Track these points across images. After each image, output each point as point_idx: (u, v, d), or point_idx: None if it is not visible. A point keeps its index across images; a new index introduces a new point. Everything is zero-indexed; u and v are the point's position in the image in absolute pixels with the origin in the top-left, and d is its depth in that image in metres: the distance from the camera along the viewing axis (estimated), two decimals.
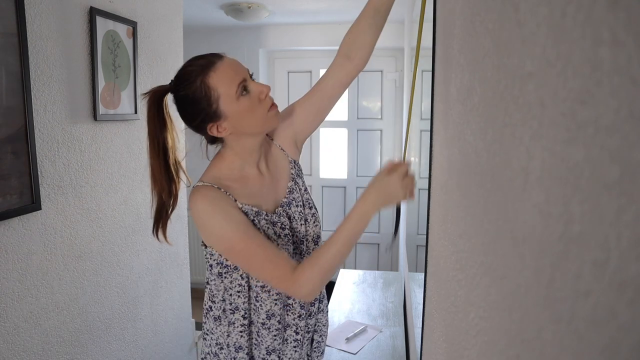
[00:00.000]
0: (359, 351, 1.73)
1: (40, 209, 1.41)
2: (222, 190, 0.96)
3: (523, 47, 0.31)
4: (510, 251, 0.33)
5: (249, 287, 1.03)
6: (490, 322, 0.38)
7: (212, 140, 1.03)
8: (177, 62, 2.25)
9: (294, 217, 1.06)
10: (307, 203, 1.10)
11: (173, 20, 2.21)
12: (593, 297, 0.21)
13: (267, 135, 1.10)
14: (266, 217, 1.00)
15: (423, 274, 0.99)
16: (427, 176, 0.92)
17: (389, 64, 3.48)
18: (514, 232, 0.32)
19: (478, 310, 0.43)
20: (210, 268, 1.04)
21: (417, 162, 1.34)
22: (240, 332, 1.05)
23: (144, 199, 2.02)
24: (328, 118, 1.16)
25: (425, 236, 0.95)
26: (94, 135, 1.68)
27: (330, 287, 2.46)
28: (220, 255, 1.01)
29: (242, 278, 1.02)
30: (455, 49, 0.60)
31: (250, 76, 0.97)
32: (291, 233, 1.05)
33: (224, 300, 1.05)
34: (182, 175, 1.03)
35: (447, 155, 0.66)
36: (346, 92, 1.33)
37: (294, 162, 1.13)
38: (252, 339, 1.07)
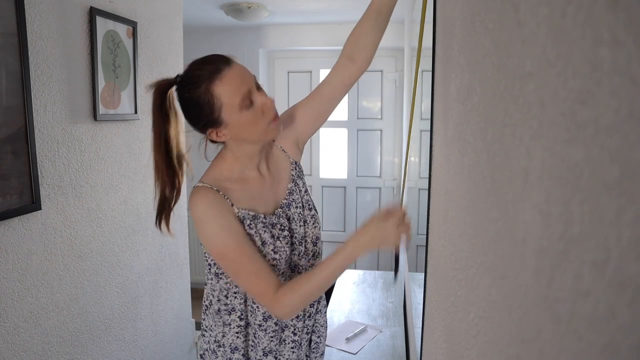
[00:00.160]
0: (359, 351, 1.73)
1: (40, 209, 1.41)
2: (221, 193, 0.97)
3: (523, 47, 0.31)
4: (510, 251, 0.33)
5: None
6: (490, 322, 0.38)
7: (214, 140, 1.04)
8: (177, 62, 2.25)
9: (294, 219, 1.06)
10: (306, 204, 1.10)
11: (173, 20, 2.21)
12: (593, 297, 0.21)
13: None
14: (264, 220, 1.00)
15: (423, 274, 0.99)
16: (427, 176, 0.92)
17: (389, 64, 3.48)
18: (514, 232, 0.32)
19: (478, 310, 0.43)
20: (209, 267, 1.05)
21: (417, 162, 1.34)
22: (237, 332, 1.06)
23: (144, 199, 2.02)
24: (328, 118, 1.16)
25: (425, 236, 0.95)
26: (94, 135, 1.68)
27: (330, 287, 2.46)
28: None
29: None
30: (455, 49, 0.60)
31: (257, 85, 0.97)
32: (290, 234, 1.05)
33: (219, 300, 1.05)
34: (185, 168, 1.03)
35: (447, 155, 0.66)
36: None
37: (295, 164, 1.13)
38: (249, 340, 1.07)
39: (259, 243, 0.99)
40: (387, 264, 3.67)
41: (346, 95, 1.19)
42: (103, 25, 1.68)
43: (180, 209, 2.29)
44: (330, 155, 3.72)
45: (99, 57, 1.66)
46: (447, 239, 0.64)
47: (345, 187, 3.70)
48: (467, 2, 0.52)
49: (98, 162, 1.71)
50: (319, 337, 1.20)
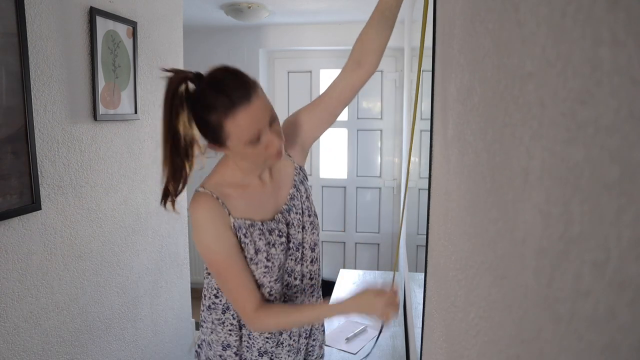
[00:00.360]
0: (359, 351, 1.73)
1: (40, 209, 1.41)
2: (220, 201, 0.98)
3: (523, 47, 0.31)
4: (510, 251, 0.33)
5: None
6: (490, 322, 0.38)
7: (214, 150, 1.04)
8: (177, 62, 2.25)
9: (293, 224, 1.07)
10: (306, 210, 1.10)
11: (173, 20, 2.21)
12: (593, 297, 0.21)
13: None
14: (261, 227, 1.01)
15: (423, 274, 0.99)
16: (427, 176, 0.92)
17: (389, 64, 3.48)
18: (514, 232, 0.32)
19: (478, 310, 0.43)
20: (206, 265, 1.07)
21: (417, 162, 1.34)
22: (229, 330, 1.08)
23: (144, 199, 2.02)
24: (335, 121, 1.17)
25: (425, 236, 0.95)
26: (94, 135, 1.68)
27: (330, 287, 2.46)
28: None
29: None
30: (455, 49, 0.60)
31: (271, 118, 0.94)
32: (287, 240, 1.06)
33: (211, 297, 1.08)
34: (195, 154, 0.99)
35: (447, 155, 0.66)
36: None
37: (300, 168, 1.13)
38: (243, 341, 1.09)
39: (252, 251, 1.00)
40: (387, 264, 3.68)
41: None
42: (103, 25, 1.68)
43: (180, 209, 2.29)
44: (330, 155, 3.72)
45: (99, 57, 1.66)
46: (447, 239, 0.64)
47: (345, 187, 3.70)
48: (467, 2, 0.52)
49: (98, 162, 1.71)
50: (314, 340, 1.21)
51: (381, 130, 3.59)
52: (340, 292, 2.31)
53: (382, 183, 3.62)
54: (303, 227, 1.08)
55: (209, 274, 1.08)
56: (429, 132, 0.92)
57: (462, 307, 0.51)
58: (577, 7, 0.23)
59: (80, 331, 1.63)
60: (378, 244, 3.70)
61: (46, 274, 1.47)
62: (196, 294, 2.84)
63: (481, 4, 0.44)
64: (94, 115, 1.66)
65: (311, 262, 1.11)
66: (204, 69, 0.96)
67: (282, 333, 1.10)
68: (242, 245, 1.00)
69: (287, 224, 1.06)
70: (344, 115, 3.60)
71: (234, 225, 0.99)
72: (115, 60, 1.77)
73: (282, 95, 3.67)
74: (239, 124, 0.89)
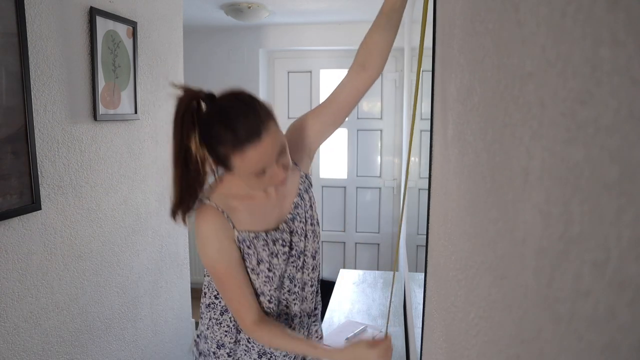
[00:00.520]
0: None
1: (40, 209, 1.41)
2: (225, 214, 0.99)
3: (523, 47, 0.31)
4: (510, 251, 0.33)
5: None
6: (490, 322, 0.38)
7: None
8: (177, 62, 2.25)
9: (296, 232, 1.08)
10: (309, 219, 1.10)
11: (173, 20, 2.21)
12: (593, 297, 0.21)
13: None
14: (265, 238, 1.02)
15: (423, 274, 0.99)
16: (427, 176, 0.92)
17: (389, 64, 3.48)
18: (514, 232, 0.32)
19: (478, 310, 0.43)
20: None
21: (417, 162, 1.34)
22: (226, 331, 1.09)
23: (144, 199, 2.02)
24: (340, 125, 1.16)
25: (425, 236, 0.95)
26: (94, 135, 1.68)
27: (330, 287, 2.46)
28: None
29: None
30: (455, 49, 0.60)
31: (281, 149, 0.93)
32: (290, 249, 1.07)
33: (216, 297, 1.10)
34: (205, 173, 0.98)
35: (447, 155, 0.66)
36: None
37: (305, 176, 1.13)
38: (242, 344, 1.11)
39: (254, 262, 1.02)
40: (387, 264, 3.68)
41: None
42: (103, 25, 1.68)
43: None
44: (330, 155, 3.72)
45: (99, 57, 1.66)
46: (447, 239, 0.64)
47: (345, 187, 3.70)
48: (467, 2, 0.52)
49: (98, 162, 1.71)
50: None
51: (381, 130, 3.59)
52: (340, 292, 2.31)
53: (382, 183, 3.62)
54: (305, 236, 1.09)
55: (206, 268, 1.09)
56: (429, 132, 0.92)
57: (462, 307, 0.51)
58: (577, 7, 0.23)
59: (80, 331, 1.63)
60: (378, 244, 3.70)
61: (46, 274, 1.47)
62: (196, 294, 2.84)
63: (481, 4, 0.44)
64: (94, 115, 1.66)
65: (312, 269, 1.12)
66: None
67: None
68: (245, 256, 1.01)
69: (291, 232, 1.07)
70: None
71: (237, 239, 1.00)
72: (115, 60, 1.77)
73: (282, 95, 3.67)
74: (246, 159, 0.89)
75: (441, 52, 0.76)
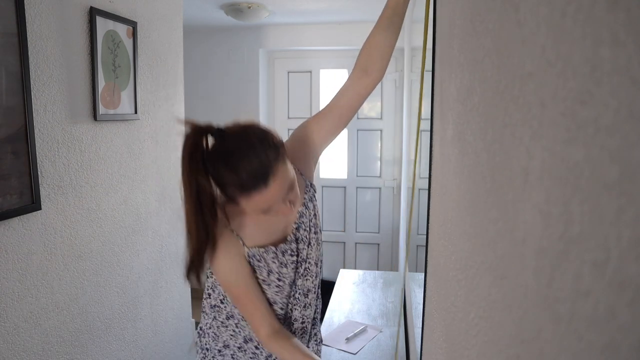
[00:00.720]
0: (359, 351, 1.73)
1: (40, 209, 1.41)
2: (235, 233, 1.00)
3: (523, 47, 0.31)
4: (510, 251, 0.33)
5: None
6: (490, 322, 0.38)
7: None
8: (177, 62, 2.25)
9: (301, 240, 1.08)
10: (313, 227, 1.11)
11: (173, 20, 2.21)
12: (593, 297, 0.21)
13: None
14: (275, 251, 1.03)
15: (423, 274, 0.99)
16: (427, 176, 0.92)
17: (389, 64, 3.48)
18: (514, 232, 0.32)
19: (478, 310, 0.43)
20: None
21: (417, 162, 1.34)
22: (232, 335, 1.11)
23: (144, 199, 2.02)
24: (344, 129, 1.16)
25: (425, 236, 0.95)
26: (94, 135, 1.68)
27: (330, 287, 2.46)
28: None
29: None
30: (455, 49, 0.60)
31: (289, 189, 0.92)
32: (297, 257, 1.08)
33: (222, 302, 1.10)
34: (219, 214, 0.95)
35: (447, 155, 0.66)
36: None
37: (310, 185, 1.13)
38: (248, 353, 1.12)
39: (265, 274, 1.03)
40: (387, 264, 3.68)
41: None
42: (103, 25, 1.68)
43: (179, 211, 2.29)
44: (330, 155, 3.72)
45: (99, 57, 1.66)
46: (447, 239, 0.64)
47: (345, 187, 3.70)
48: (467, 2, 0.52)
49: (98, 162, 1.71)
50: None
51: (381, 131, 3.59)
52: (340, 292, 2.31)
53: (382, 183, 3.62)
54: (309, 244, 1.10)
55: (212, 273, 1.09)
56: (429, 132, 0.92)
57: (462, 307, 0.51)
58: (577, 7, 0.23)
59: (80, 331, 1.63)
60: (378, 244, 3.70)
61: (46, 274, 1.47)
62: (196, 294, 2.85)
63: (481, 4, 0.44)
64: (94, 115, 1.66)
65: (315, 276, 1.13)
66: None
67: None
68: (255, 268, 1.02)
69: (297, 240, 1.07)
70: None
71: (247, 255, 1.00)
72: (115, 60, 1.77)
73: (282, 95, 3.67)
74: (251, 201, 0.89)
75: (441, 52, 0.76)
